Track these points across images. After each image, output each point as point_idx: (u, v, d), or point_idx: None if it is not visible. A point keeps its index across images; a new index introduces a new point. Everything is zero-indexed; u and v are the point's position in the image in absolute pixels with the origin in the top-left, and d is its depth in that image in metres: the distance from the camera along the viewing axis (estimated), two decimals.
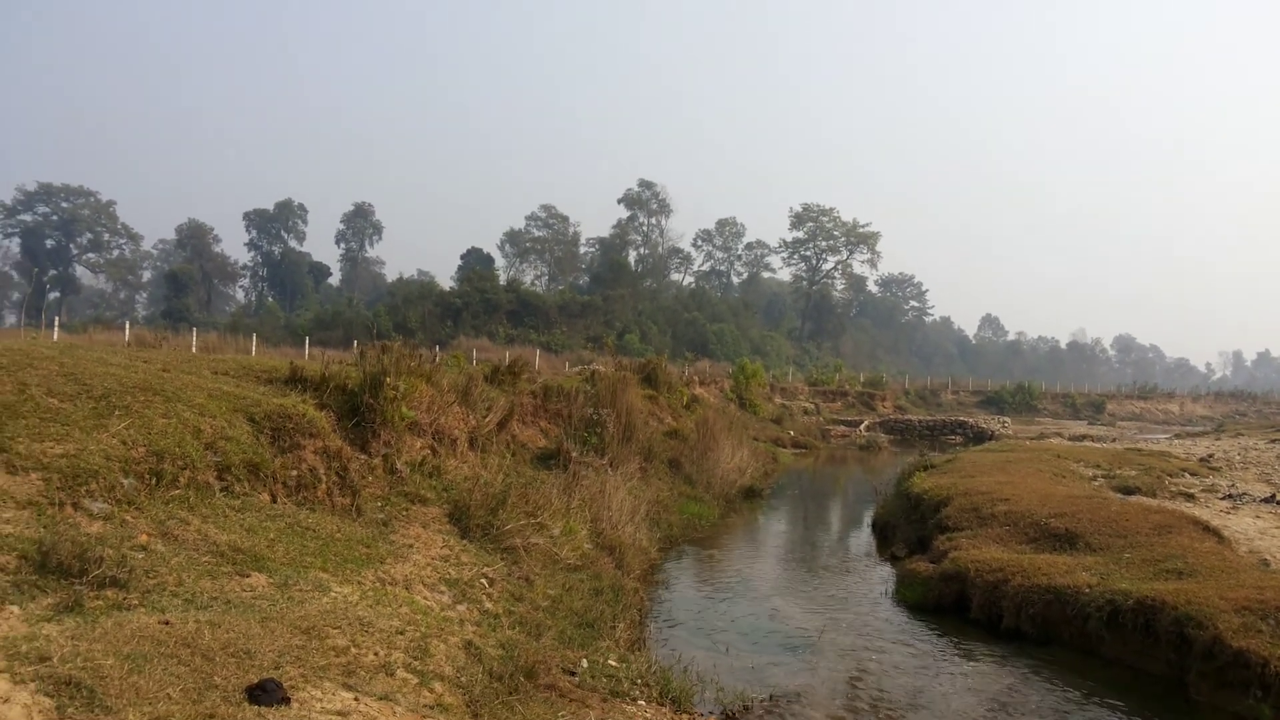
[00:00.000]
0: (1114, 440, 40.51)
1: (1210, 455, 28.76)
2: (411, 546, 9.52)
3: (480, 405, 14.59)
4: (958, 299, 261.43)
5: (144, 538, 7.10)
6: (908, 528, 15.87)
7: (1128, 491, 17.16)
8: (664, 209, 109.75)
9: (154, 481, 7.77)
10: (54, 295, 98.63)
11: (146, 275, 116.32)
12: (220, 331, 47.63)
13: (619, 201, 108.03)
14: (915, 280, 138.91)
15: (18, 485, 6.83)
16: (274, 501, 8.84)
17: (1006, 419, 52.34)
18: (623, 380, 21.66)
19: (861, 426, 47.89)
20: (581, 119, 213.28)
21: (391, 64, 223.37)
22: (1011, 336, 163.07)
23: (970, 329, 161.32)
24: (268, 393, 11.10)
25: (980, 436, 44.98)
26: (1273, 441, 36.18)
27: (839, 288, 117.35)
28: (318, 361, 18.09)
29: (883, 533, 17.27)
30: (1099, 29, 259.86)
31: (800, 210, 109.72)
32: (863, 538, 18.23)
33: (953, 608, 11.59)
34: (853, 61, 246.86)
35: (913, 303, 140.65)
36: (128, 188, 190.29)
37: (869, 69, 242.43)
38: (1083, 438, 41.74)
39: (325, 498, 9.42)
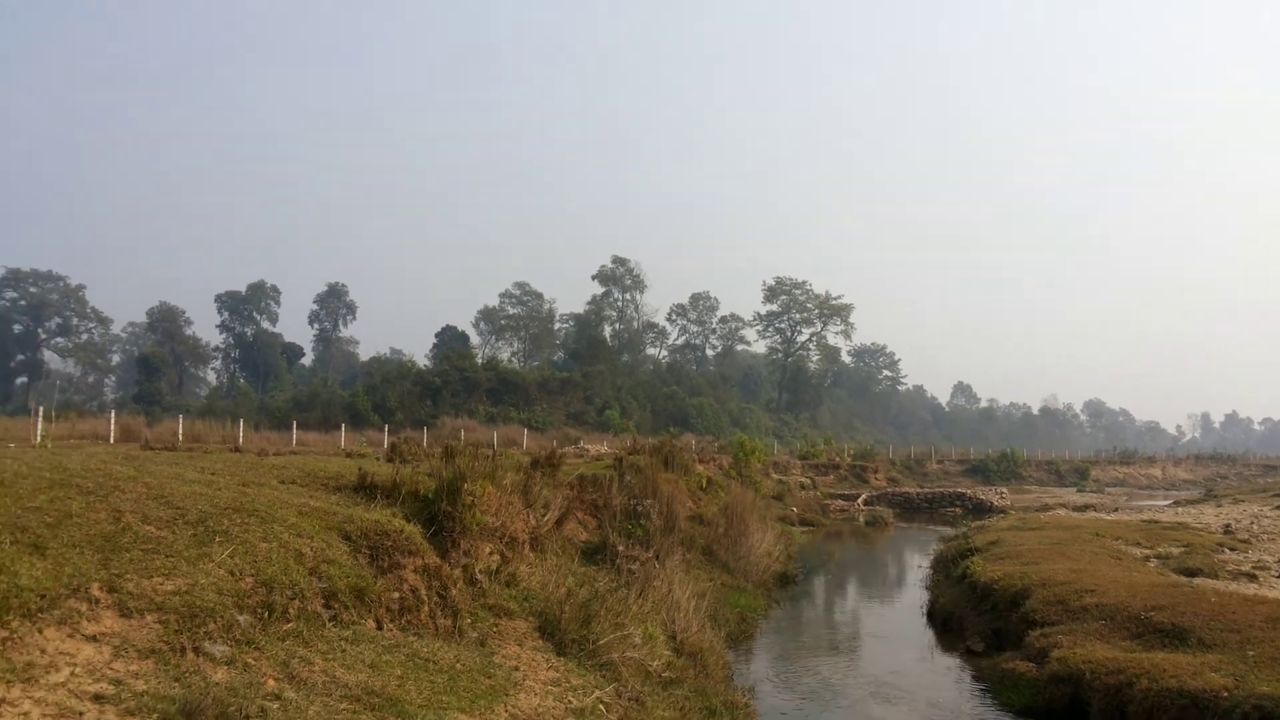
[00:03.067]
0: (1115, 510, 40.16)
1: (1228, 526, 28.48)
2: (518, 669, 8.82)
3: (539, 503, 13.95)
4: (930, 367, 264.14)
5: (271, 683, 6.41)
6: (978, 619, 15.28)
7: (1190, 574, 16.74)
8: (638, 284, 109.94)
9: (266, 615, 7.10)
10: (21, 380, 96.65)
11: (116, 359, 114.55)
12: (197, 415, 46.47)
13: (593, 278, 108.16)
14: (888, 350, 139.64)
15: (136, 630, 6.13)
16: (379, 628, 8.15)
17: (1003, 489, 52.11)
18: (654, 467, 21.10)
19: (859, 500, 47.41)
20: (555, 197, 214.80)
21: (364, 145, 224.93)
22: (984, 404, 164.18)
23: (943, 397, 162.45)
24: (340, 501, 10.47)
25: (979, 508, 44.64)
26: (1278, 508, 36.27)
27: (814, 359, 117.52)
28: (368, 462, 17.41)
29: (944, 624, 16.64)
30: (1066, 120, 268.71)
31: (773, 283, 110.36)
32: (917, 627, 17.57)
33: (1065, 712, 10.98)
34: (822, 143, 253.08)
35: (886, 372, 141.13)
36: (98, 271, 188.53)
37: (839, 150, 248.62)
38: (1085, 508, 41.40)
39: (428, 620, 8.73)
